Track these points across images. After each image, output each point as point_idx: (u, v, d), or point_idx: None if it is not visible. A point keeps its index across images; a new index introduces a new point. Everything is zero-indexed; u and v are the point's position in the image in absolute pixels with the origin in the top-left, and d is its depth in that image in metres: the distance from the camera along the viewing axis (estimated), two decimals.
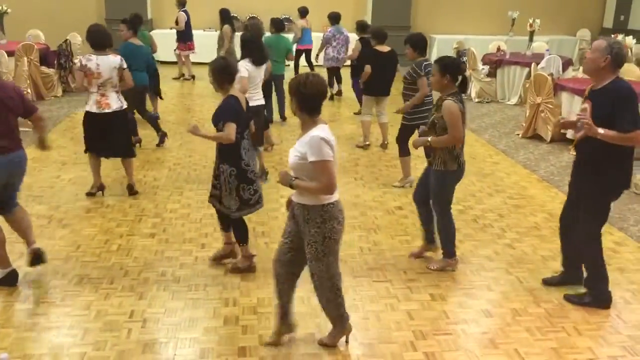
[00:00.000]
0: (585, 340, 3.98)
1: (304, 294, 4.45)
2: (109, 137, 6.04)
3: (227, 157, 4.48)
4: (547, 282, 4.68)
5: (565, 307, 4.37)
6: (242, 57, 6.68)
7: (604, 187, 4.18)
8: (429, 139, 4.63)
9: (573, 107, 8.59)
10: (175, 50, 12.68)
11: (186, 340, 3.86)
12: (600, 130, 3.93)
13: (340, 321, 3.77)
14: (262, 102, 6.81)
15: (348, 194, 6.54)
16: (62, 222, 5.63)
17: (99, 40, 5.93)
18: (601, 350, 3.87)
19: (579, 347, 3.90)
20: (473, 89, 11.87)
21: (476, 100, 11.69)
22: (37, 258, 4.56)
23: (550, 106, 8.79)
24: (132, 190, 6.31)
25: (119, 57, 6.06)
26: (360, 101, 10.05)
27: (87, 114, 6.03)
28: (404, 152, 6.75)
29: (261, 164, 6.77)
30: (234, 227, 4.74)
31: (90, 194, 6.27)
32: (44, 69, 10.63)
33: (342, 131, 9.18)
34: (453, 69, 4.56)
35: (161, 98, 9.54)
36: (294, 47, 11.31)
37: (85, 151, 6.24)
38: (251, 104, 6.38)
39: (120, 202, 6.14)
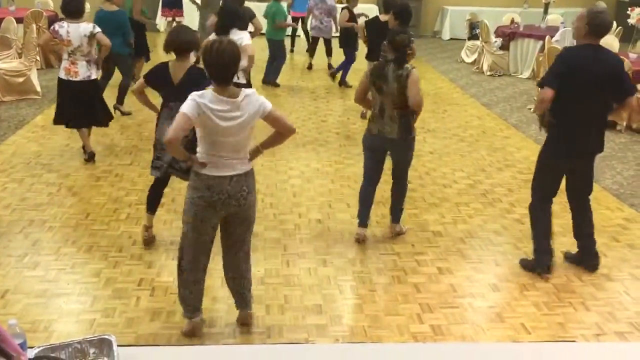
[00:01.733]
0: (592, 315, 3.98)
1: (311, 265, 4.47)
2: (77, 105, 6.11)
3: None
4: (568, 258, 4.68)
5: (573, 282, 4.36)
6: (240, 28, 6.52)
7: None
8: None
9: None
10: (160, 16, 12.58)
11: None
12: None
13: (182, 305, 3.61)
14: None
15: (357, 166, 6.51)
16: (72, 190, 5.65)
17: (70, 7, 5.94)
18: (608, 326, 3.86)
19: (585, 323, 3.90)
20: (485, 61, 11.73)
21: (488, 73, 11.55)
22: None
23: None
24: (92, 158, 6.34)
25: (91, 24, 6.03)
26: (344, 72, 10.05)
27: (58, 80, 6.13)
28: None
29: None
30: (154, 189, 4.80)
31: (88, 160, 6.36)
32: None
33: (351, 104, 9.12)
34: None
35: (147, 59, 9.21)
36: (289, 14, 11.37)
37: (54, 123, 6.32)
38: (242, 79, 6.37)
39: (129, 171, 6.15)
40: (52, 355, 2.00)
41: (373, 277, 4.35)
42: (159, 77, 4.33)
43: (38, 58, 9.78)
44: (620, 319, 3.95)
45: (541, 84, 4.16)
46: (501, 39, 11.72)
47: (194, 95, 3.12)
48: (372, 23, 8.06)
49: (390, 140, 4.63)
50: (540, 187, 4.50)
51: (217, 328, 3.72)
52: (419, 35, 16.19)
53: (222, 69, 3.13)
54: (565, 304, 4.10)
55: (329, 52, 11.13)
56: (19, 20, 9.77)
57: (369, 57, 7.99)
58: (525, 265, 4.50)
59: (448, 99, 9.75)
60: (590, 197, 4.55)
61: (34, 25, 9.40)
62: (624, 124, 8.10)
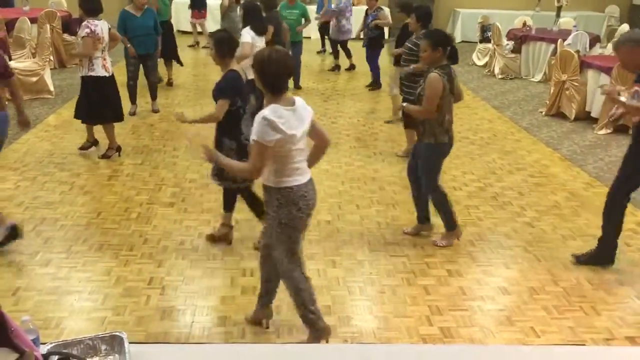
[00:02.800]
0: (603, 320, 3.96)
1: (320, 266, 4.47)
2: (111, 100, 6.25)
3: (227, 131, 4.44)
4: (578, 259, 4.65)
5: (583, 286, 4.34)
6: (244, 26, 6.72)
7: None
8: (411, 107, 4.69)
9: (599, 84, 8.42)
10: (190, 19, 12.85)
11: (204, 308, 3.91)
12: (622, 98, 3.97)
13: (309, 325, 3.49)
14: None
15: (367, 168, 6.52)
16: (84, 189, 5.69)
17: (94, 5, 6.07)
18: (619, 331, 3.84)
19: (596, 327, 3.88)
20: (497, 64, 11.69)
21: (500, 76, 11.51)
22: (13, 235, 4.47)
23: (576, 84, 8.63)
24: (120, 150, 6.55)
25: (104, 21, 6.19)
26: (375, 73, 10.00)
27: (95, 79, 6.10)
28: (407, 124, 6.73)
29: None
30: (223, 194, 4.75)
31: (83, 149, 6.56)
32: (66, 36, 10.67)
33: (361, 106, 9.12)
34: (444, 42, 4.52)
35: (181, 64, 9.69)
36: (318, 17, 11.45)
37: (83, 121, 6.44)
38: (250, 76, 6.39)
39: (140, 170, 6.19)
40: (65, 351, 2.02)
41: (382, 279, 4.35)
42: (239, 88, 4.46)
43: (52, 58, 9.86)
44: (631, 324, 3.92)
45: None
46: (513, 42, 11.67)
47: (260, 117, 3.05)
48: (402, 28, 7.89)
49: (450, 146, 4.74)
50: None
51: (226, 327, 3.73)
52: None
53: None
54: (576, 308, 4.08)
55: (348, 53, 11.26)
56: (33, 21, 9.86)
57: (399, 62, 7.95)
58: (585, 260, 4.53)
59: (459, 101, 9.70)
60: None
61: (48, 26, 9.49)
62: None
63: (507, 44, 11.70)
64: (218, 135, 4.50)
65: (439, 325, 3.83)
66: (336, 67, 11.51)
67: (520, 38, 11.57)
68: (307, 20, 9.75)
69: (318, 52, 13.02)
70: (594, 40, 11.35)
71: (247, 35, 6.50)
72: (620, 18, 15.24)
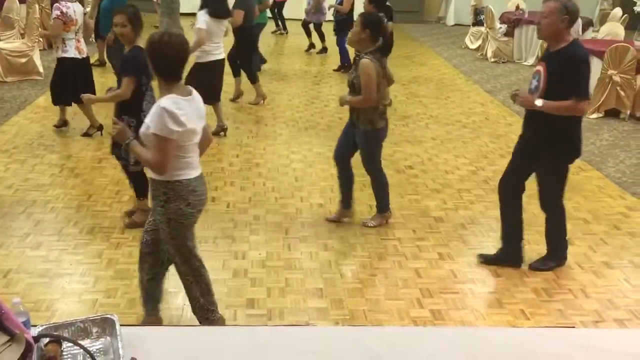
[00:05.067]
0: (591, 302, 3.99)
1: (312, 249, 4.48)
2: (81, 81, 6.19)
3: (127, 109, 4.33)
4: (484, 259, 4.43)
5: (573, 269, 4.37)
6: (201, 8, 6.38)
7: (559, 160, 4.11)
8: (347, 98, 4.59)
9: (591, 68, 8.42)
10: None
11: None
12: (538, 102, 3.84)
13: (201, 317, 3.40)
14: (222, 56, 6.56)
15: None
16: (74, 171, 5.65)
17: None
18: (607, 313, 3.88)
19: (585, 310, 3.92)
20: (489, 48, 11.67)
21: (492, 60, 11.50)
22: None
23: None
24: (102, 128, 6.53)
25: (78, 4, 6.16)
26: (343, 56, 9.93)
27: (68, 60, 6.12)
28: None
29: (219, 118, 6.76)
30: (132, 180, 4.66)
31: (87, 135, 6.50)
32: None
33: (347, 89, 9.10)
34: (374, 25, 4.44)
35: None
36: None
37: (56, 104, 6.41)
38: (210, 58, 6.38)
39: None
40: (56, 333, 2.02)
41: (374, 262, 4.36)
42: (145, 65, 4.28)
43: (40, 39, 9.73)
44: (620, 306, 3.96)
45: (583, 97, 3.87)
46: (506, 26, 11.65)
47: (159, 108, 2.90)
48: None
49: (387, 129, 4.71)
50: (562, 188, 4.30)
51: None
52: (423, 20, 16.12)
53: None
54: (565, 291, 4.11)
55: (322, 36, 11.21)
56: (22, 1, 9.72)
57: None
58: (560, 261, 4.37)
59: (451, 85, 9.71)
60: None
61: (37, 6, 9.35)
62: (628, 112, 8.07)
63: (500, 28, 11.67)
64: (118, 111, 4.34)
65: (429, 307, 3.86)
66: (311, 46, 11.48)
67: (513, 21, 11.54)
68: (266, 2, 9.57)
69: (273, 32, 13.02)
70: (587, 24, 11.32)
71: (201, 19, 6.22)
72: (612, 1, 15.20)
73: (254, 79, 7.94)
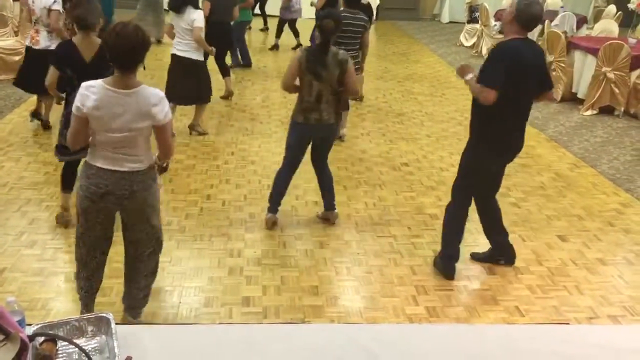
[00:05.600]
0: (586, 299, 4.01)
1: (308, 247, 4.49)
2: (37, 73, 5.91)
3: (66, 100, 4.38)
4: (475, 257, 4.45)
5: (567, 266, 4.39)
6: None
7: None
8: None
9: (585, 65, 8.46)
10: None
11: (191, 288, 3.92)
12: (468, 76, 3.89)
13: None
14: (177, 52, 6.39)
15: (354, 149, 6.52)
16: None
17: None
18: (602, 310, 3.90)
19: (579, 306, 3.93)
20: (484, 45, 11.68)
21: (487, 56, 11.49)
22: None
23: (563, 65, 8.65)
24: (47, 126, 6.57)
25: None
26: None
27: (26, 49, 6.29)
28: None
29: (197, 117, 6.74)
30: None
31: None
32: None
33: None
34: (318, 22, 4.48)
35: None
36: None
37: (14, 83, 6.50)
38: (171, 51, 6.44)
39: None
40: (51, 332, 2.01)
41: (369, 259, 4.37)
42: (67, 56, 4.21)
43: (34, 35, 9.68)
44: (614, 303, 3.98)
45: (484, 83, 3.75)
46: (500, 23, 11.65)
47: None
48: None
49: (328, 126, 4.54)
50: (468, 189, 4.19)
51: (213, 308, 3.74)
52: (418, 18, 16.13)
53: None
54: (560, 288, 4.13)
55: (296, 33, 11.19)
56: None
57: None
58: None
59: (446, 82, 9.72)
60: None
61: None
62: (622, 109, 8.10)
63: (495, 25, 11.68)
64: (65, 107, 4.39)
65: (425, 305, 3.87)
66: (275, 47, 11.38)
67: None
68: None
69: (261, 30, 12.97)
70: (581, 21, 11.38)
71: (198, 21, 6.21)
72: None
73: (224, 73, 7.96)
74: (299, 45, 11.30)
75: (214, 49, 6.53)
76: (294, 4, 10.76)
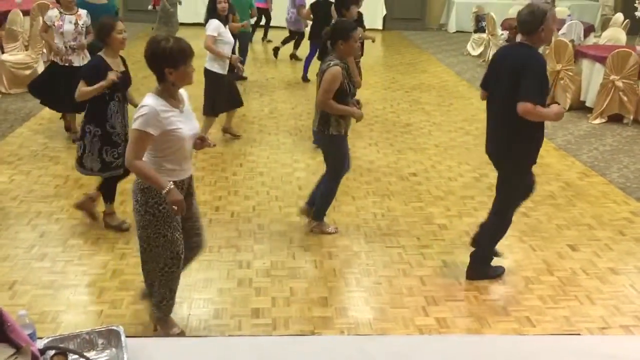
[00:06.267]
0: (597, 309, 3.98)
1: (317, 257, 4.48)
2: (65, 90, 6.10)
3: (92, 118, 4.46)
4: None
5: (578, 276, 4.36)
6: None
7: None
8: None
9: (594, 74, 8.44)
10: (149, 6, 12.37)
11: (200, 300, 3.92)
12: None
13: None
14: (206, 66, 6.50)
15: (362, 159, 6.52)
16: (78, 182, 5.66)
17: None
18: (613, 320, 3.87)
19: (591, 316, 3.90)
20: (491, 54, 11.67)
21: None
22: None
23: (571, 73, 8.63)
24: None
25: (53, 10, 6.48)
26: (305, 67, 9.89)
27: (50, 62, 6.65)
28: None
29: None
30: (103, 186, 4.77)
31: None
32: None
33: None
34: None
35: None
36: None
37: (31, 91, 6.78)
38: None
39: None
40: (61, 345, 2.02)
41: (378, 270, 4.36)
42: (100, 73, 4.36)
43: (44, 50, 9.79)
44: (626, 313, 3.95)
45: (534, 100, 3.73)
46: (508, 32, 11.63)
47: (140, 106, 3.06)
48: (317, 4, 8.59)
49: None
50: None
51: (222, 320, 3.74)
52: (424, 28, 16.16)
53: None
54: (571, 297, 4.10)
55: (297, 44, 11.26)
56: (26, 13, 9.77)
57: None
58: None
59: (454, 92, 9.72)
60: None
61: (41, 18, 9.40)
62: (631, 117, 8.07)
63: (502, 34, 11.68)
64: (85, 121, 4.52)
65: (435, 315, 3.85)
66: (294, 56, 11.45)
67: (515, 28, 11.53)
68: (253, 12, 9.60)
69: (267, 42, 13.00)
70: (588, 29, 11.35)
71: (209, 29, 6.30)
72: (614, 7, 15.23)
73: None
74: (293, 55, 11.38)
75: (234, 56, 6.59)
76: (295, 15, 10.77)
